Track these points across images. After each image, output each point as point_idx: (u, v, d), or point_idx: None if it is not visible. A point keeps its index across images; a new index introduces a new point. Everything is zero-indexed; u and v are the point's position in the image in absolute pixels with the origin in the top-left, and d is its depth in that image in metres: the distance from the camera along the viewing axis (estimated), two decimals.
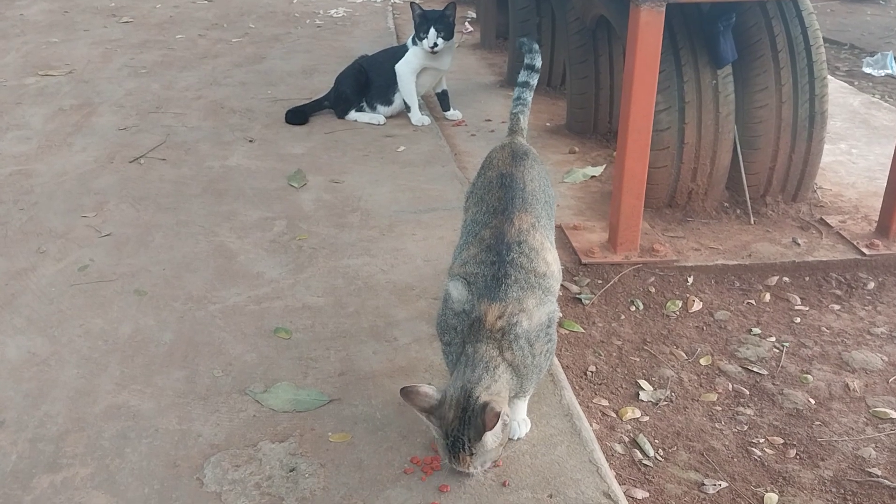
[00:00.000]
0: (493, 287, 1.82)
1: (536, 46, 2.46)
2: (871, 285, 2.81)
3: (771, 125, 3.11)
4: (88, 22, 6.38)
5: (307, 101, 4.27)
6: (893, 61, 5.51)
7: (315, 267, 2.75)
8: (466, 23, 6.28)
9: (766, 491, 1.95)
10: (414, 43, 4.03)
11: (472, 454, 1.73)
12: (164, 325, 2.43)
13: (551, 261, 1.96)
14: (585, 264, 2.83)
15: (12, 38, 5.85)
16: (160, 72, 5.05)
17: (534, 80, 2.38)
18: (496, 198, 1.99)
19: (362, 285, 2.64)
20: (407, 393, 1.76)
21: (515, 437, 1.94)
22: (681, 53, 3.02)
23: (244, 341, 2.34)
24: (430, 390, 1.77)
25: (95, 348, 2.31)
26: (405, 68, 4.05)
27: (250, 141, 3.90)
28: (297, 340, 2.35)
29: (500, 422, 1.69)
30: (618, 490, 1.81)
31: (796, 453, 2.08)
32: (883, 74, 5.46)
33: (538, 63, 2.42)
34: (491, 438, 1.72)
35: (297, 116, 4.14)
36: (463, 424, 1.71)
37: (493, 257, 1.87)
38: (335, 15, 6.75)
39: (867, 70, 5.53)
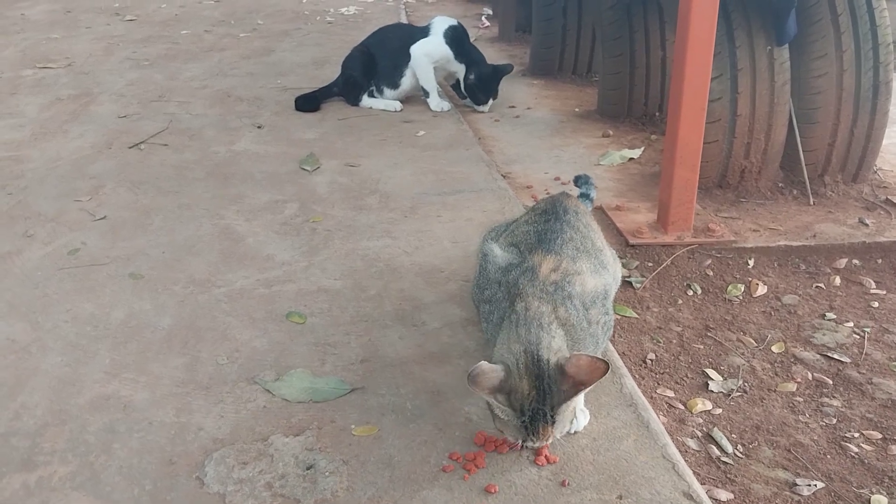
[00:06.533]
0: (549, 240, 1.65)
1: (593, 180, 2.30)
2: None
3: (831, 96, 2.82)
4: (91, 20, 6.16)
5: (317, 89, 4.01)
6: None
7: (331, 249, 2.46)
8: (483, 18, 6.06)
9: (872, 493, 1.65)
10: (446, 41, 3.76)
11: (553, 423, 1.45)
12: (161, 309, 2.14)
13: (609, 255, 1.82)
14: (633, 245, 2.54)
15: (12, 35, 5.62)
16: (164, 64, 4.80)
17: (587, 207, 2.24)
18: (542, 212, 1.82)
19: (384, 267, 2.35)
20: (475, 376, 1.42)
21: (573, 431, 1.64)
22: (732, 16, 2.74)
23: (253, 326, 2.05)
24: (492, 366, 1.46)
25: (83, 334, 2.02)
26: (423, 55, 3.77)
27: (259, 127, 3.63)
28: (313, 325, 2.06)
29: None
30: (699, 490, 1.51)
31: None
32: None
33: (594, 194, 2.28)
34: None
35: (309, 102, 3.86)
36: (542, 394, 1.43)
37: (547, 217, 1.75)
38: (346, 13, 6.51)
39: None
